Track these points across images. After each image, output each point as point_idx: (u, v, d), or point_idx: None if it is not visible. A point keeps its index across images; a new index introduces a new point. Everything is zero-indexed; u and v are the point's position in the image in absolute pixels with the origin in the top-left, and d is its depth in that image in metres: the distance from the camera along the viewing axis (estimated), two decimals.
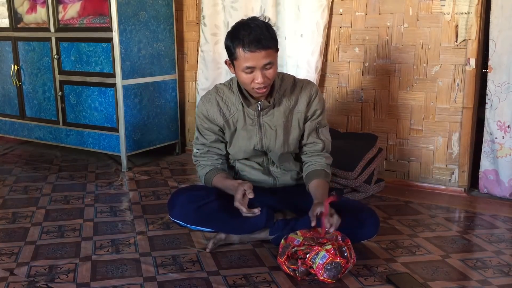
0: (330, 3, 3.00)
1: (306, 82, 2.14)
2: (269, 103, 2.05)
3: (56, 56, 3.43)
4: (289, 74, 2.17)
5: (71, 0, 3.30)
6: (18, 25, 3.63)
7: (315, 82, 3.02)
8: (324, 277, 1.78)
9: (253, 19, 1.94)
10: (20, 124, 3.82)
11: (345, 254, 1.81)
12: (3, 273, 1.89)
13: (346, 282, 1.83)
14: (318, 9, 2.98)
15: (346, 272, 1.83)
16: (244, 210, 1.96)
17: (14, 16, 3.63)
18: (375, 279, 1.86)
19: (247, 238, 2.14)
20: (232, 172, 2.28)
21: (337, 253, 1.78)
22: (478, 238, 2.27)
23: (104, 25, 3.17)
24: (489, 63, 2.69)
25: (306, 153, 2.17)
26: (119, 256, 2.04)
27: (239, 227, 2.07)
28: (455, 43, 2.76)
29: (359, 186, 2.74)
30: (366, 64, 3.03)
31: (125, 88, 3.22)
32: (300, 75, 2.89)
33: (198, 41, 3.52)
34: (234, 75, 2.04)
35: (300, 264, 1.81)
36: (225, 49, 1.99)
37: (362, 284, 1.82)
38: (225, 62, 2.04)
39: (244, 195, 1.97)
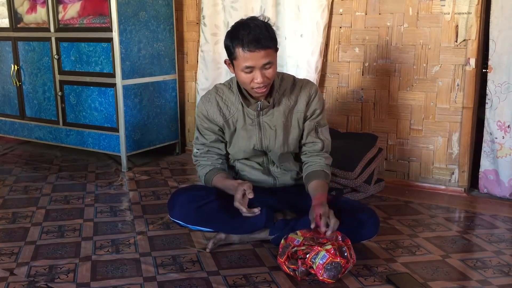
0: (330, 3, 3.00)
1: (305, 82, 2.14)
2: (269, 103, 2.05)
3: (56, 56, 3.43)
4: (288, 74, 2.17)
5: (71, 0, 3.30)
6: (18, 25, 3.63)
7: (315, 82, 3.02)
8: (324, 277, 1.78)
9: (253, 19, 1.94)
10: (20, 124, 3.82)
11: (345, 254, 1.81)
12: (3, 273, 1.89)
13: (346, 282, 1.83)
14: (318, 9, 2.98)
15: (346, 272, 1.83)
16: (244, 210, 1.96)
17: (14, 16, 3.63)
18: (375, 279, 1.86)
19: (247, 238, 2.14)
20: (232, 172, 2.28)
21: (337, 253, 1.78)
22: (478, 238, 2.27)
23: (104, 25, 3.17)
24: (489, 63, 2.69)
25: (306, 153, 2.17)
26: (119, 256, 2.04)
27: (239, 227, 2.07)
28: (455, 43, 2.76)
29: (359, 186, 2.74)
30: (366, 64, 3.03)
31: (125, 88, 3.22)
32: (300, 75, 2.89)
33: (198, 41, 3.51)
34: (234, 75, 2.04)
35: (300, 264, 1.81)
36: (224, 49, 1.99)
37: (362, 284, 1.82)
38: (225, 61, 2.03)
39: (244, 195, 1.97)
